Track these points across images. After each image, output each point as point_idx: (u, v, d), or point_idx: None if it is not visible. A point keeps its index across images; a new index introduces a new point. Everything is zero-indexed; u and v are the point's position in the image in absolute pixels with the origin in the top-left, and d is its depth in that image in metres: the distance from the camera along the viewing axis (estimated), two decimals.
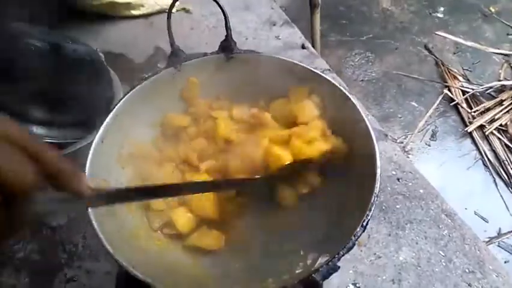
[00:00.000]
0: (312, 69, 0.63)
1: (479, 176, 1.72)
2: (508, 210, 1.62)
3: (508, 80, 1.95)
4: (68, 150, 0.86)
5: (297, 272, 0.47)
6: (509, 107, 1.83)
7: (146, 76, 0.64)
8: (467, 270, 0.83)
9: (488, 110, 1.85)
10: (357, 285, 0.81)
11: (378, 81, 2.01)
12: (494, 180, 1.70)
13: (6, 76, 0.78)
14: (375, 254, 0.85)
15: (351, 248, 0.45)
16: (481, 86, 1.92)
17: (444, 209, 0.92)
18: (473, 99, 1.91)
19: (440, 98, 1.94)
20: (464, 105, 1.90)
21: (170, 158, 0.61)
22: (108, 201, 0.39)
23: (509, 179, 1.69)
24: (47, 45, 0.80)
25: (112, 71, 0.97)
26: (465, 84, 1.96)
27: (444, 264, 0.84)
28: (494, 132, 1.79)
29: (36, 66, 0.79)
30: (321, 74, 0.62)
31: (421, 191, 0.94)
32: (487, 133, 1.79)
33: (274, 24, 1.30)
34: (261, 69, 0.66)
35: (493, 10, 2.33)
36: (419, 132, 1.84)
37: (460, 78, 1.99)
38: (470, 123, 1.83)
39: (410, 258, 0.84)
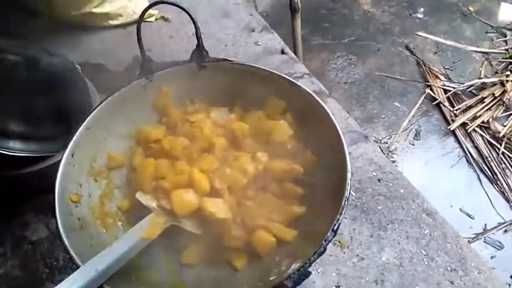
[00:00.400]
0: (283, 74, 0.63)
1: (463, 173, 1.74)
2: (493, 206, 1.64)
3: (489, 77, 1.98)
4: (46, 164, 0.85)
5: (271, 279, 0.47)
6: (491, 104, 1.86)
7: (117, 88, 0.63)
8: (449, 269, 0.84)
9: (470, 107, 1.88)
10: (341, 287, 0.81)
11: (361, 82, 2.03)
12: (478, 177, 1.72)
13: None
14: (357, 255, 0.85)
15: (322, 253, 0.45)
16: (462, 84, 1.94)
17: (425, 208, 0.92)
18: (455, 98, 1.93)
19: (422, 97, 1.96)
20: (447, 103, 1.92)
21: (147, 169, 0.60)
22: None
23: (492, 175, 1.71)
24: (22, 59, 0.80)
25: (90, 81, 0.97)
26: (446, 83, 1.98)
27: (426, 263, 0.84)
28: (477, 129, 1.82)
29: (11, 81, 0.78)
30: (290, 79, 0.62)
31: (402, 191, 0.95)
32: (469, 130, 1.81)
33: (253, 31, 1.31)
34: (234, 76, 0.66)
35: (472, 9, 2.36)
36: (402, 132, 1.86)
37: (442, 77, 2.02)
38: (453, 121, 1.85)
39: (393, 259, 0.85)
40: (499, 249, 1.53)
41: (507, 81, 1.88)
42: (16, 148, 0.81)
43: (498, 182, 1.69)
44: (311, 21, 2.27)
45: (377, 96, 1.98)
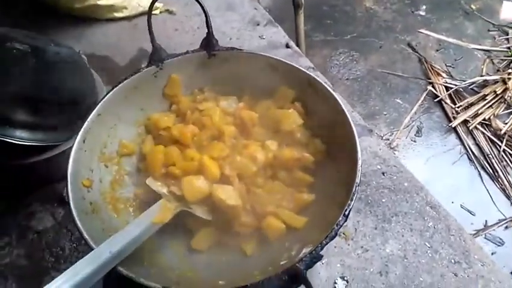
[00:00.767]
0: (291, 63, 0.64)
1: (464, 170, 1.74)
2: (494, 202, 1.64)
3: (490, 75, 1.98)
4: (52, 153, 0.85)
5: (281, 263, 0.48)
6: (492, 102, 1.86)
7: (128, 75, 0.64)
8: (453, 261, 0.85)
9: (471, 105, 1.88)
10: (345, 278, 0.82)
11: (363, 79, 2.03)
12: (480, 174, 1.73)
13: None
14: (362, 247, 0.86)
15: (333, 237, 0.46)
16: (464, 81, 1.95)
17: (429, 201, 0.93)
18: (456, 95, 1.93)
19: (424, 94, 1.96)
20: (448, 101, 1.92)
21: (157, 156, 0.60)
22: None
23: (493, 172, 1.72)
24: (29, 48, 0.80)
25: (96, 73, 0.97)
26: (448, 81, 1.98)
27: (430, 255, 0.85)
28: (478, 126, 1.82)
29: (18, 70, 0.78)
30: (299, 67, 0.63)
31: (406, 184, 0.96)
32: (471, 128, 1.82)
33: (258, 24, 1.31)
34: (243, 65, 0.67)
35: (474, 7, 2.37)
36: (404, 128, 1.86)
37: (443, 74, 2.02)
38: (454, 118, 1.86)
39: (397, 251, 0.86)
40: (499, 246, 1.54)
41: (509, 79, 1.89)
42: (23, 137, 0.81)
43: (499, 179, 1.70)
44: (313, 17, 2.28)
45: (379, 93, 1.98)
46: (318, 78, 0.61)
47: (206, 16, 0.62)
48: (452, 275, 0.83)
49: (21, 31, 0.85)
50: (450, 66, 2.08)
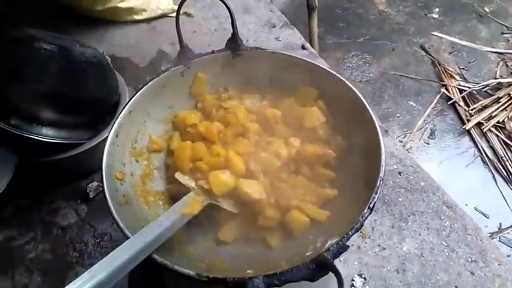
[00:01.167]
0: (314, 62, 0.65)
1: (478, 173, 1.74)
2: (508, 205, 1.64)
3: (504, 77, 1.98)
4: (76, 151, 0.88)
5: (307, 254, 0.49)
6: (506, 104, 1.86)
7: (157, 74, 0.66)
8: (469, 260, 0.85)
9: (485, 107, 1.88)
10: (363, 275, 0.83)
11: (376, 81, 2.04)
12: (493, 177, 1.72)
13: (17, 78, 0.80)
14: (379, 245, 0.87)
15: (358, 228, 0.47)
16: (478, 84, 1.95)
17: (445, 200, 0.94)
18: (470, 98, 1.93)
19: (437, 97, 1.97)
20: (462, 103, 1.92)
21: (184, 151, 0.63)
22: None
23: (508, 175, 1.71)
24: (56, 48, 0.82)
25: (118, 73, 1.00)
26: (462, 83, 1.99)
27: (447, 254, 0.86)
28: (492, 129, 1.82)
29: (45, 69, 0.81)
30: (323, 66, 0.64)
31: (422, 183, 0.96)
32: (484, 130, 1.82)
33: (274, 26, 1.33)
34: (267, 64, 0.68)
35: (487, 10, 2.36)
36: (417, 131, 1.87)
37: (457, 77, 2.02)
38: (468, 121, 1.86)
39: (414, 249, 0.86)
40: None
41: None
42: (48, 135, 0.84)
43: None
44: (326, 20, 2.29)
45: (392, 95, 1.99)
46: (340, 76, 0.62)
47: (231, 17, 0.64)
48: (469, 273, 0.84)
49: (48, 32, 0.88)
50: (463, 68, 2.08)
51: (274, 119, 0.65)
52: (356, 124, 0.60)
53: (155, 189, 0.64)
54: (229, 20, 0.67)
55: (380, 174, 0.51)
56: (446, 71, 2.04)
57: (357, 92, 0.60)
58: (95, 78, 0.88)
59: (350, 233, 0.46)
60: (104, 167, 0.55)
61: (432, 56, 2.13)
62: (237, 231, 0.60)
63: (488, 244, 0.88)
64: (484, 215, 1.61)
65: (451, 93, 1.96)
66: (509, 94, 1.87)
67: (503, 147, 1.78)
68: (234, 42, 0.67)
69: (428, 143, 1.84)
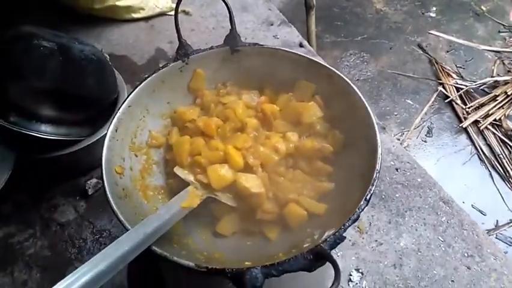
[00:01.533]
0: (312, 57, 0.66)
1: (475, 170, 1.75)
2: (505, 202, 1.65)
3: (501, 76, 1.99)
4: (74, 148, 0.88)
5: (305, 245, 0.50)
6: (503, 102, 1.87)
7: (156, 69, 0.67)
8: (466, 254, 0.86)
9: (482, 105, 1.89)
10: (360, 270, 0.83)
11: (374, 80, 2.05)
12: (490, 174, 1.73)
13: (16, 75, 0.81)
14: (376, 240, 0.88)
15: (355, 220, 0.48)
16: (475, 82, 1.96)
17: (442, 196, 0.95)
18: (467, 96, 1.94)
19: (434, 95, 1.97)
20: (459, 101, 1.93)
21: (183, 146, 0.63)
22: None
23: (504, 172, 1.72)
24: (55, 46, 0.83)
25: (116, 71, 1.00)
26: (459, 81, 1.99)
27: (443, 249, 0.87)
28: (489, 127, 1.83)
29: (44, 66, 0.81)
30: (320, 62, 0.65)
31: (419, 179, 0.97)
32: (481, 128, 1.82)
33: (272, 24, 1.34)
34: (265, 60, 0.69)
35: (484, 9, 2.38)
36: (415, 129, 1.87)
37: (454, 75, 2.03)
38: (465, 119, 1.86)
39: (411, 244, 0.87)
40: (510, 245, 1.54)
41: None
42: (47, 131, 0.84)
43: (510, 179, 1.70)
44: (324, 19, 2.30)
45: (390, 94, 2.00)
46: (337, 72, 0.63)
47: (230, 13, 0.65)
48: (465, 268, 0.84)
49: (47, 30, 0.88)
50: (460, 67, 2.09)
51: (273, 114, 0.66)
52: (352, 118, 0.61)
53: (154, 183, 0.65)
54: (227, 18, 0.68)
55: (377, 167, 0.51)
56: (443, 70, 2.05)
57: (354, 86, 0.61)
58: (94, 76, 0.89)
59: (347, 224, 0.46)
60: (104, 161, 0.55)
61: (430, 55, 2.14)
62: (236, 225, 0.60)
63: (485, 239, 0.89)
64: (481, 212, 1.62)
65: (448, 91, 1.97)
66: (505, 92, 1.88)
67: (499, 144, 1.78)
68: (232, 38, 0.68)
69: (425, 141, 1.85)
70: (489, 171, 1.74)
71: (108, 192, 0.52)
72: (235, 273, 0.44)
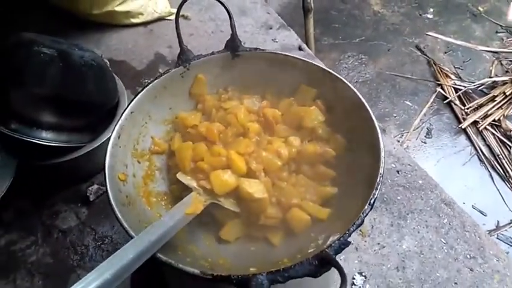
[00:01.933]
0: (312, 61, 0.66)
1: (475, 171, 1.75)
2: (505, 203, 1.65)
3: (499, 76, 1.99)
4: (75, 155, 0.88)
5: (309, 251, 0.50)
6: (502, 103, 1.87)
7: (157, 75, 0.67)
8: (468, 256, 0.86)
9: (481, 106, 1.89)
10: (363, 273, 0.83)
11: (372, 82, 2.05)
12: (490, 175, 1.73)
13: (16, 82, 0.81)
14: (378, 243, 0.88)
15: (359, 224, 0.48)
16: (473, 83, 1.96)
17: (443, 198, 0.95)
18: (465, 97, 1.94)
19: (433, 96, 1.98)
20: (457, 102, 1.93)
21: (186, 152, 0.63)
22: None
23: (504, 172, 1.73)
24: (55, 52, 0.83)
25: (116, 76, 1.00)
26: (457, 82, 2.00)
27: (446, 251, 0.87)
28: (488, 127, 1.83)
29: (45, 73, 0.81)
30: (321, 66, 0.65)
31: (420, 181, 0.97)
32: (480, 129, 1.83)
33: (270, 28, 1.34)
34: (266, 65, 0.69)
35: (481, 9, 2.38)
36: (414, 130, 1.87)
37: (452, 76, 2.03)
38: (464, 119, 1.87)
39: (413, 247, 0.87)
40: (511, 246, 1.54)
41: None
42: (48, 138, 0.84)
43: (510, 179, 1.70)
44: (322, 22, 2.30)
45: (388, 95, 2.00)
46: (338, 75, 0.63)
47: (230, 18, 0.65)
48: (468, 270, 0.84)
49: (47, 36, 0.88)
50: (458, 68, 2.10)
51: (274, 119, 0.66)
52: (354, 122, 0.61)
53: (157, 190, 0.65)
54: (226, 22, 0.68)
55: (380, 171, 0.51)
56: (441, 71, 2.05)
57: (355, 90, 0.61)
58: (95, 82, 0.88)
59: (351, 229, 0.46)
60: (107, 168, 0.55)
61: (428, 56, 2.15)
62: (239, 230, 0.60)
63: (487, 241, 0.89)
64: (482, 213, 1.62)
65: (447, 92, 1.97)
66: (504, 92, 1.88)
67: (499, 145, 1.79)
68: (233, 43, 0.68)
69: (424, 142, 1.85)
70: (489, 171, 1.74)
71: (112, 200, 0.52)
72: (240, 280, 0.44)
